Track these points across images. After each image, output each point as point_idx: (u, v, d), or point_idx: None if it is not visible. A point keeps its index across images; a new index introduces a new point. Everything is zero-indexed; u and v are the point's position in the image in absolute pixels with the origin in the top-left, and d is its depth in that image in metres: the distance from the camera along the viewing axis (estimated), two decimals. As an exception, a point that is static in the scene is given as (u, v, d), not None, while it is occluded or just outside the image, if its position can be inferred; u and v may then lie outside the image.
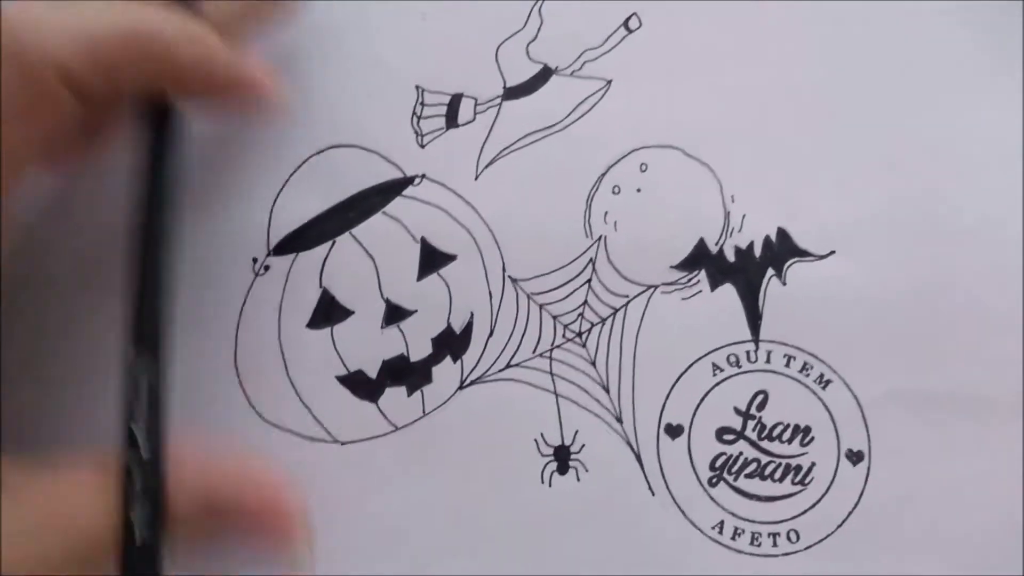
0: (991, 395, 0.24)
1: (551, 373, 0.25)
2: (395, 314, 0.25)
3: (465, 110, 0.26)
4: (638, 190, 0.25)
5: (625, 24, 0.26)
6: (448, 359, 0.25)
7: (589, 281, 0.25)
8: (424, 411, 0.25)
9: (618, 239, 0.25)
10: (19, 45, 0.20)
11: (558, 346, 0.25)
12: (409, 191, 0.26)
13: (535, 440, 0.25)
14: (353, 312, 0.26)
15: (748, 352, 0.25)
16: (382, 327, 0.26)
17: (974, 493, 0.24)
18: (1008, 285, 0.24)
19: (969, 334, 0.24)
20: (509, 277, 0.25)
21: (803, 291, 0.25)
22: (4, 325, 0.26)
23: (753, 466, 0.24)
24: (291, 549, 0.22)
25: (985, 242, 0.24)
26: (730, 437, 0.24)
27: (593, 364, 0.25)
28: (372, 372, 0.25)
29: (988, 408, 0.24)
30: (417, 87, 0.26)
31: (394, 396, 0.25)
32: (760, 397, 0.24)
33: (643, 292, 0.25)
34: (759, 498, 0.24)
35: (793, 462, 0.24)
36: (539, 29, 0.27)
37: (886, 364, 0.24)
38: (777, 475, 0.24)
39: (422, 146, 0.26)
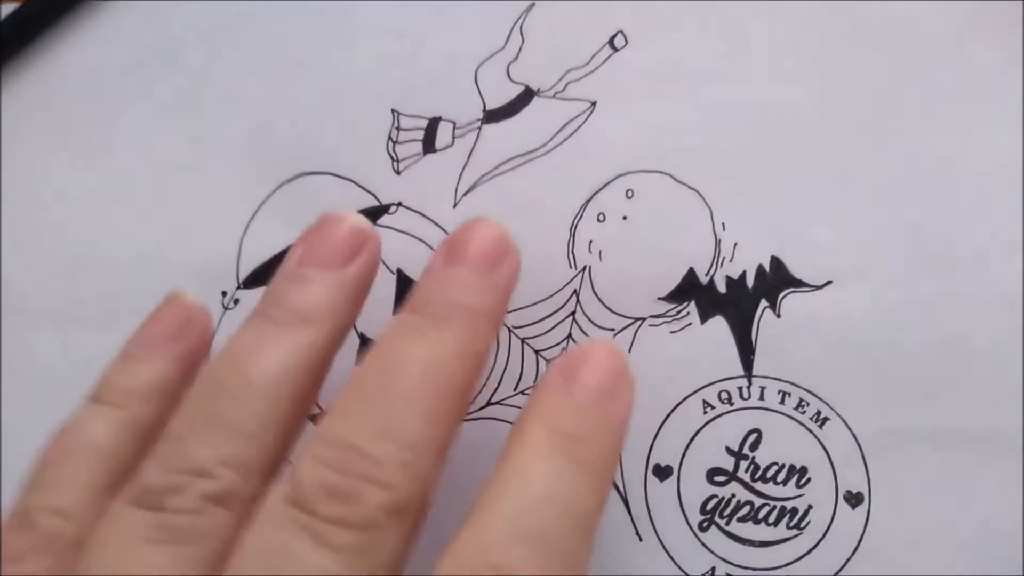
0: (1000, 431, 0.22)
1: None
2: (370, 349, 0.24)
3: (443, 134, 0.25)
4: (624, 218, 0.24)
5: (610, 42, 0.25)
6: (425, 397, 0.24)
7: (573, 313, 0.24)
8: (400, 453, 0.24)
9: (603, 270, 0.24)
10: None
11: (541, 382, 0.24)
12: (385, 220, 0.25)
13: (517, 482, 0.23)
14: (326, 348, 0.24)
15: (740, 388, 0.23)
16: (356, 363, 0.24)
17: (983, 536, 0.22)
18: (1016, 314, 0.23)
19: (975, 366, 0.23)
20: (489, 310, 0.24)
21: (799, 324, 0.23)
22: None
23: (746, 509, 0.23)
24: None
25: (992, 269, 0.23)
26: (722, 479, 0.23)
27: (578, 401, 0.24)
28: (346, 411, 0.24)
29: (997, 445, 0.22)
30: (393, 111, 0.25)
31: (369, 437, 0.24)
32: (753, 436, 0.23)
33: (630, 325, 0.24)
34: (753, 543, 0.23)
35: (788, 504, 0.23)
36: (520, 48, 0.25)
37: (886, 400, 0.23)
38: (772, 519, 0.23)
39: (398, 172, 0.25)
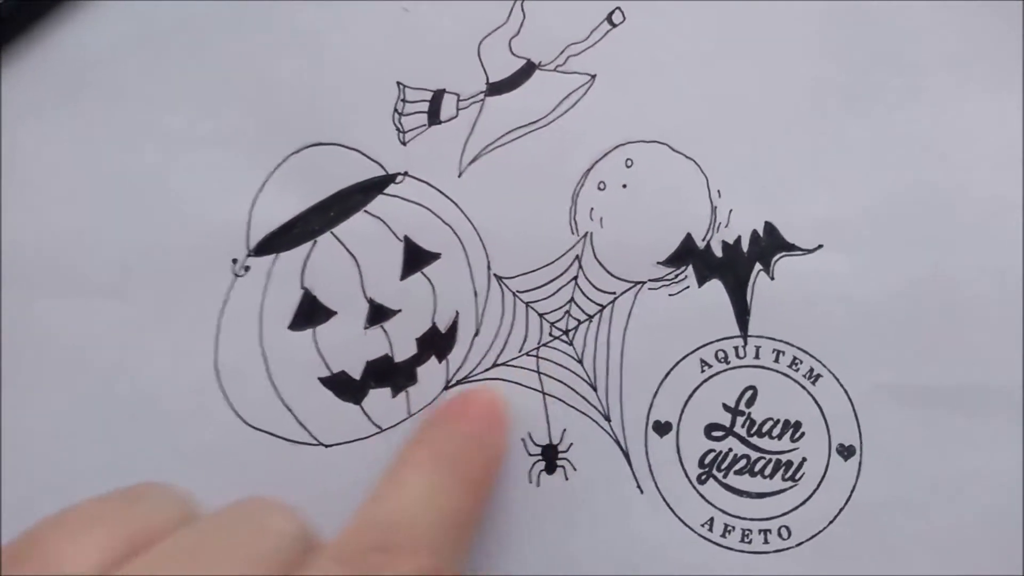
0: (984, 388, 0.24)
1: (538, 372, 0.25)
2: (379, 314, 0.25)
3: (448, 106, 0.26)
4: (624, 186, 0.25)
5: (608, 18, 0.26)
6: (433, 359, 0.25)
7: (575, 278, 0.25)
8: (410, 412, 0.25)
9: (604, 236, 0.25)
10: None
11: (545, 344, 0.25)
12: (391, 189, 0.26)
13: (522, 440, 0.24)
14: (336, 313, 0.25)
15: (736, 348, 0.24)
16: (365, 328, 0.25)
17: (969, 489, 0.23)
18: (1001, 277, 0.24)
19: (961, 327, 0.24)
20: (494, 275, 0.25)
21: (791, 285, 0.24)
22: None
23: (743, 462, 0.24)
24: None
25: (978, 234, 0.24)
26: (719, 434, 0.24)
27: (580, 362, 0.25)
28: (356, 373, 0.25)
29: (982, 402, 0.24)
30: (398, 83, 0.26)
31: (378, 397, 0.25)
32: (749, 393, 0.24)
33: (630, 289, 0.25)
34: (749, 495, 0.24)
35: (784, 458, 0.24)
36: (522, 24, 0.26)
37: (876, 358, 0.24)
38: (767, 471, 0.24)
39: (404, 143, 0.26)
